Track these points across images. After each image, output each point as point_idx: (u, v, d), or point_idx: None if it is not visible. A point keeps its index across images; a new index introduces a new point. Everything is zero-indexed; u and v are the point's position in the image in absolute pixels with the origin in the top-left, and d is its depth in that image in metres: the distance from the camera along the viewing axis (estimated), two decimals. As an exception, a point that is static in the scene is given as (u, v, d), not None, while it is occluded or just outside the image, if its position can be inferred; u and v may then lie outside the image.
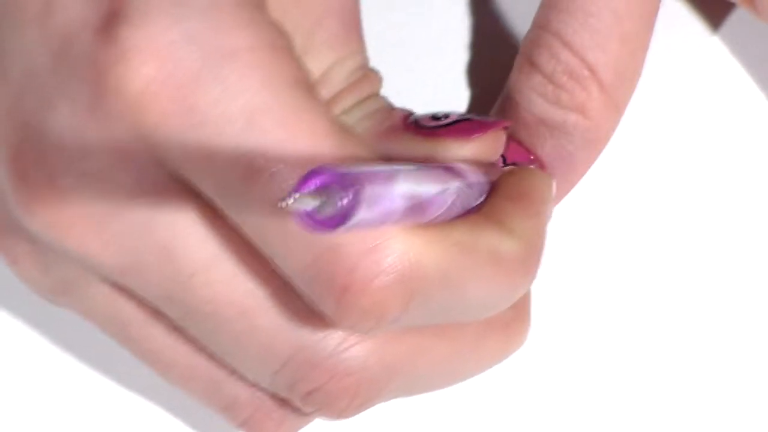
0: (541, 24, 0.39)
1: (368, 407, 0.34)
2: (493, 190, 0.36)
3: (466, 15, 0.43)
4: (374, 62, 0.41)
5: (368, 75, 0.38)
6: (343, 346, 0.33)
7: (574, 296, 0.41)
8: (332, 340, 0.33)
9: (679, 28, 0.42)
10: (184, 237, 0.32)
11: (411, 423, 0.41)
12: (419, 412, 0.40)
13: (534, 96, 0.39)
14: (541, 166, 0.39)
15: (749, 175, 0.41)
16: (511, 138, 0.39)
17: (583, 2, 0.38)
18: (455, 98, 0.42)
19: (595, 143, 0.39)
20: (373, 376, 0.33)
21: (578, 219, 0.42)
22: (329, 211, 0.26)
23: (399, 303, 0.31)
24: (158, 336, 0.35)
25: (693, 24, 0.42)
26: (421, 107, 0.41)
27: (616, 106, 0.39)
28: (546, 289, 0.41)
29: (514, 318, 0.37)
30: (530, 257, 0.34)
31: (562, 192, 0.40)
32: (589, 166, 0.40)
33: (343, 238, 0.30)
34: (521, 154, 0.39)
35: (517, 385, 0.41)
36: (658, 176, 0.42)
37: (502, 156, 0.39)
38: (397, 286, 0.31)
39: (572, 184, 0.40)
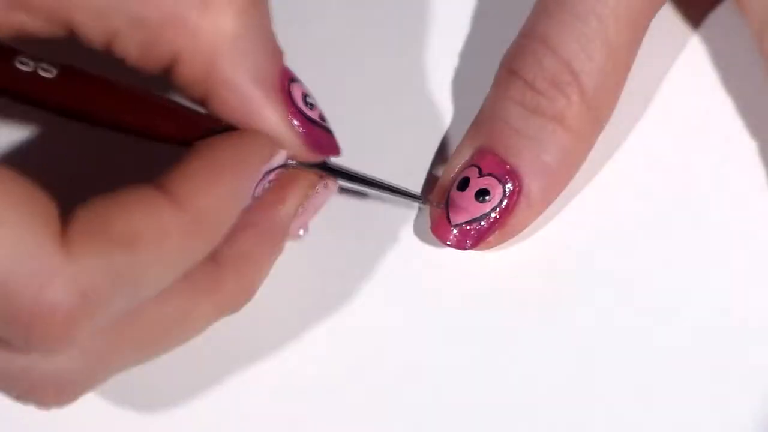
0: (527, 32, 0.39)
1: (84, 393, 0.36)
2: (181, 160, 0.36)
3: (454, 25, 0.43)
4: (360, 69, 0.42)
5: None
6: (34, 358, 0.34)
7: (572, 304, 0.41)
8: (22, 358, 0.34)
9: (660, 24, 0.41)
10: None
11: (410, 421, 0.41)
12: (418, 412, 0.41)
13: (512, 105, 0.39)
14: (517, 177, 0.39)
15: (729, 173, 0.41)
16: (488, 149, 0.39)
17: (572, 5, 0.38)
18: (440, 109, 0.43)
19: (573, 155, 0.39)
20: (73, 371, 0.35)
21: (564, 227, 0.42)
22: None
23: (83, 320, 0.32)
24: None
25: (674, 21, 0.42)
26: (408, 116, 0.43)
27: (596, 118, 0.39)
28: (543, 294, 0.41)
29: (223, 282, 0.37)
30: (199, 224, 0.34)
31: (542, 204, 0.40)
32: (567, 179, 0.40)
33: (10, 286, 0.32)
34: (497, 165, 0.39)
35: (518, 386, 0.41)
36: (640, 174, 0.42)
37: (478, 167, 0.39)
38: (77, 310, 0.32)
39: (551, 197, 0.40)
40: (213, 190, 0.35)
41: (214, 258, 0.37)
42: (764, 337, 0.40)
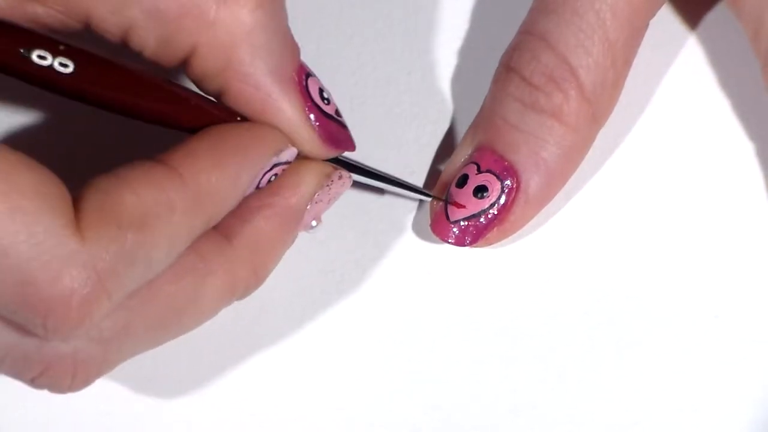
0: (526, 29, 0.39)
1: (98, 376, 0.36)
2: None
3: (459, 22, 0.43)
4: (364, 66, 0.43)
5: None
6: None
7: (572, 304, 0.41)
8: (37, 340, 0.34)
9: (658, 25, 0.41)
10: None
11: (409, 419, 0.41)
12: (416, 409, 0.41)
13: (510, 101, 0.39)
14: (515, 173, 0.39)
15: (728, 174, 0.41)
16: (487, 146, 0.39)
17: (571, 2, 0.38)
18: (444, 105, 0.43)
19: (570, 151, 0.39)
20: (88, 353, 0.35)
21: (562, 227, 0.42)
22: None
23: (101, 302, 0.33)
24: None
25: (671, 22, 0.42)
26: (412, 113, 0.43)
27: (594, 115, 0.39)
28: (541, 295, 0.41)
29: (235, 260, 0.37)
30: (200, 200, 0.35)
31: (540, 201, 0.40)
32: (565, 176, 0.40)
33: (28, 272, 0.32)
34: (495, 161, 0.39)
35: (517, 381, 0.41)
36: (638, 174, 0.42)
37: (477, 164, 0.39)
38: (93, 294, 0.33)
39: (549, 193, 0.40)
40: (217, 170, 0.35)
41: (227, 237, 0.37)
42: (763, 337, 0.41)
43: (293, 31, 0.38)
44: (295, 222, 0.38)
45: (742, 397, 0.40)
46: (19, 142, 0.42)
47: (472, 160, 0.40)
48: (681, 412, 0.40)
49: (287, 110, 0.37)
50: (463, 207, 0.40)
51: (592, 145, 0.40)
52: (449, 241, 0.40)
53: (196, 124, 0.37)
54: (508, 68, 0.40)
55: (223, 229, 0.37)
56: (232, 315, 0.40)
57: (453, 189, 0.40)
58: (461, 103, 0.43)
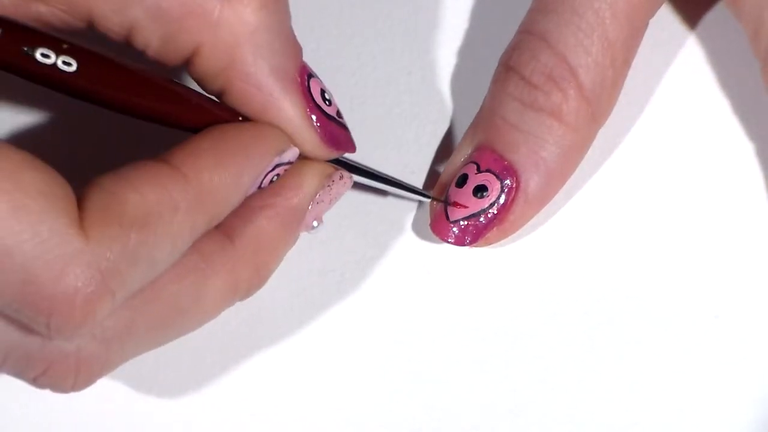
0: (526, 28, 0.39)
1: (101, 376, 0.36)
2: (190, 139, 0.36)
3: (458, 22, 0.43)
4: (364, 66, 0.43)
5: None
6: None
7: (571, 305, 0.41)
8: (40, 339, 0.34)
9: (657, 25, 0.41)
10: None
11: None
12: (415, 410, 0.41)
13: (509, 101, 0.39)
14: (515, 173, 0.39)
15: (728, 174, 0.41)
16: (486, 146, 0.40)
17: (570, 1, 0.39)
18: (444, 105, 0.43)
19: (570, 151, 0.39)
20: (91, 352, 0.35)
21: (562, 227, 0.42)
22: None
23: (104, 301, 0.33)
24: None
25: (671, 21, 0.42)
26: (412, 113, 0.43)
27: (593, 115, 0.39)
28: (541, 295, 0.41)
29: (237, 260, 0.37)
30: (203, 199, 0.35)
31: (540, 200, 0.40)
32: (565, 175, 0.40)
33: (32, 271, 0.32)
34: (495, 161, 0.39)
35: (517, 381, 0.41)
36: (638, 174, 0.42)
37: (476, 164, 0.40)
38: (97, 293, 0.32)
39: (549, 193, 0.40)
40: (219, 170, 0.35)
41: (229, 236, 0.37)
42: (763, 337, 0.41)
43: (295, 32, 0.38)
44: (297, 222, 0.38)
45: (742, 397, 0.40)
46: (23, 141, 0.42)
47: (472, 160, 0.40)
48: (681, 412, 0.41)
49: (289, 111, 0.37)
50: (463, 207, 0.40)
51: (592, 145, 0.40)
52: (449, 240, 0.40)
53: (198, 124, 0.37)
54: (508, 68, 0.40)
55: (226, 229, 0.37)
56: (232, 315, 0.40)
57: (453, 189, 0.40)
58: (461, 103, 0.43)
